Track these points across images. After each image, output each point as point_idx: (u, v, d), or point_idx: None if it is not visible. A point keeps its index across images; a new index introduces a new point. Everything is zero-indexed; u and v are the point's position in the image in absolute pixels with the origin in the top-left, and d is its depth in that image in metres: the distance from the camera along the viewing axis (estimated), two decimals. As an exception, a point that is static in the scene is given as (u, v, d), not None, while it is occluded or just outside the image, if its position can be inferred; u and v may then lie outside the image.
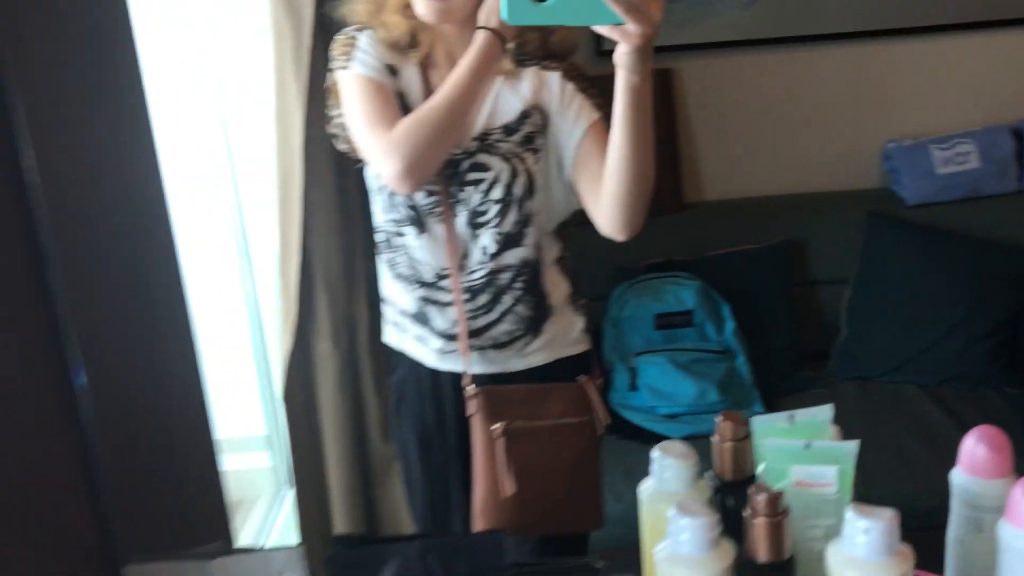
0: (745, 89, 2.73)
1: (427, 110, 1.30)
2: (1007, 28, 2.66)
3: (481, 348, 1.44)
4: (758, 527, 0.70)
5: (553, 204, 1.44)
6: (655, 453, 0.82)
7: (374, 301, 2.09)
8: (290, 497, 2.23)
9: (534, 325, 1.46)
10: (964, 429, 2.28)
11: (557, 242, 1.49)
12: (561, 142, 1.40)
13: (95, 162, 0.78)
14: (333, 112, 1.44)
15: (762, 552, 0.70)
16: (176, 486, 0.85)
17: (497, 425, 1.38)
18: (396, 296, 1.50)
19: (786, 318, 2.63)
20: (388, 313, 1.54)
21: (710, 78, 2.68)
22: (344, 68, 1.38)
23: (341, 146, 1.46)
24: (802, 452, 0.76)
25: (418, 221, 1.41)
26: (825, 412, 0.83)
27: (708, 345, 2.48)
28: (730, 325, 2.50)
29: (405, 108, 1.38)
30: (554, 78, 1.40)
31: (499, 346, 1.45)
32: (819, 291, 2.70)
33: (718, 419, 0.84)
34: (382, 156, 1.29)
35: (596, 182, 1.33)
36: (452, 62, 1.36)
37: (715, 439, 0.85)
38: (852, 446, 0.77)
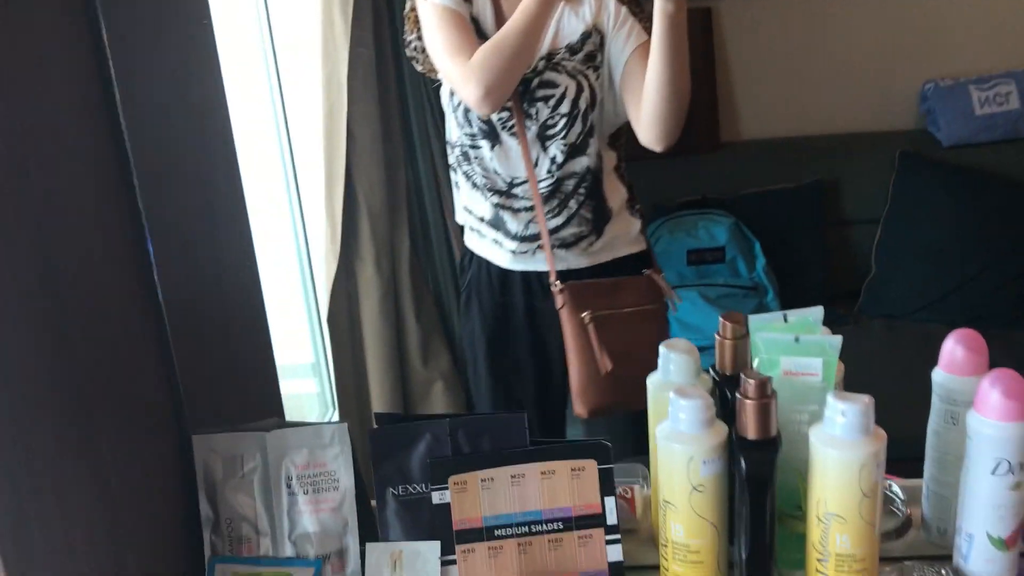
0: (783, 29, 2.74)
1: (501, 37, 1.40)
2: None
3: (551, 248, 1.57)
4: (748, 407, 0.78)
5: (609, 116, 1.55)
6: (662, 349, 0.90)
7: (414, 231, 2.20)
8: (336, 419, 2.36)
9: (597, 226, 1.58)
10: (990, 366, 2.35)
11: (613, 151, 1.60)
12: (614, 59, 1.50)
13: (167, 78, 0.88)
14: (411, 36, 1.55)
15: (751, 430, 0.79)
16: (235, 367, 0.96)
17: (586, 313, 1.51)
18: (473, 205, 1.62)
19: (818, 257, 2.68)
20: (467, 220, 1.67)
21: (748, 18, 2.70)
22: None
23: (419, 67, 1.58)
24: (792, 345, 0.84)
25: (492, 134, 1.53)
26: (817, 312, 0.90)
27: (739, 281, 2.54)
28: (761, 262, 2.56)
29: (479, 34, 1.48)
30: (610, 1, 1.50)
31: (566, 246, 1.58)
32: (852, 231, 2.74)
33: (721, 319, 0.92)
34: (463, 82, 1.41)
35: (639, 97, 1.45)
36: None
37: (717, 337, 0.92)
38: (836, 340, 0.85)
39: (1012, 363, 2.45)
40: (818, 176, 2.71)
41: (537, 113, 1.51)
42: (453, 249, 2.25)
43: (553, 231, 1.56)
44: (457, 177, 1.63)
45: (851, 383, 2.44)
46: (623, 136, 1.64)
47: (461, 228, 1.70)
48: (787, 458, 0.82)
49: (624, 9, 1.50)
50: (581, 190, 1.55)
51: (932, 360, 2.62)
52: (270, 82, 2.34)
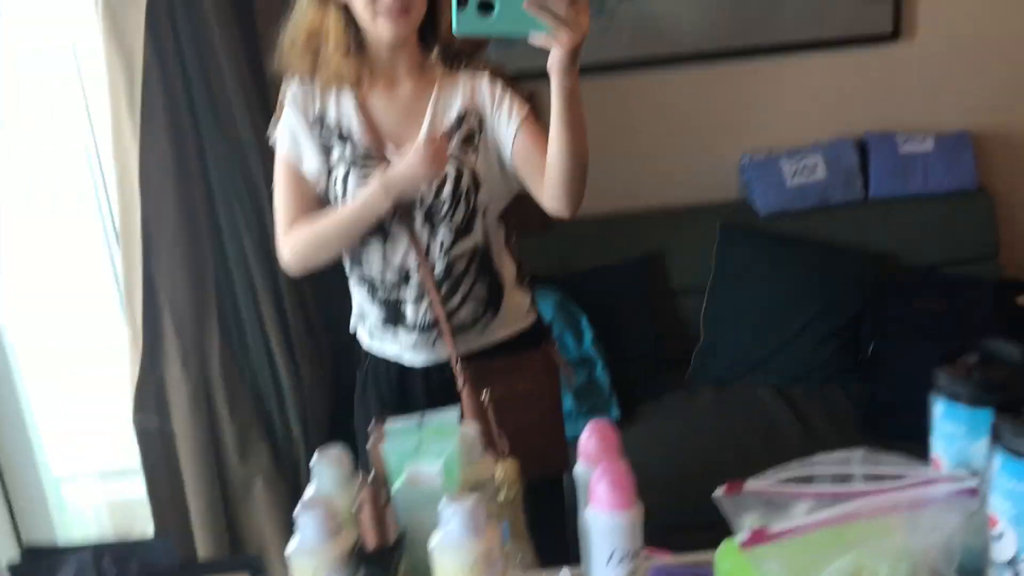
0: (606, 110, 2.86)
1: (321, 230, 1.55)
2: (850, 47, 2.81)
3: (452, 332, 1.60)
4: (363, 516, 0.80)
5: (497, 193, 1.60)
6: (315, 457, 0.92)
7: (225, 326, 2.19)
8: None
9: (492, 304, 1.63)
10: (807, 426, 2.44)
11: (502, 227, 1.66)
12: (500, 137, 1.55)
13: None
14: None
15: (368, 539, 0.81)
16: None
17: (485, 394, 1.55)
18: (367, 308, 1.65)
19: (648, 327, 2.76)
20: (362, 324, 1.70)
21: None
22: (274, 131, 1.61)
23: None
24: (416, 450, 0.86)
25: (379, 230, 1.56)
26: (452, 414, 0.93)
27: (568, 355, 2.59)
28: (589, 335, 2.61)
29: (346, 139, 1.55)
30: (483, 81, 1.56)
31: (464, 328, 1.61)
32: (680, 300, 2.83)
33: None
34: (279, 243, 1.59)
35: (539, 169, 1.48)
36: (387, 82, 1.56)
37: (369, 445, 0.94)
38: (454, 445, 0.87)
39: (826, 418, 2.54)
40: (646, 248, 2.80)
41: (422, 199, 1.54)
42: (270, 339, 2.24)
43: (450, 314, 1.59)
44: (351, 283, 1.67)
45: (684, 449, 2.49)
46: (512, 210, 1.68)
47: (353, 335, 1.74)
48: (417, 564, 0.84)
49: (498, 86, 1.55)
50: (472, 269, 1.59)
51: (755, 423, 2.69)
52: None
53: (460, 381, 1.58)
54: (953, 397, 0.93)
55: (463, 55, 1.58)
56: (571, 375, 1.68)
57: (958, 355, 0.96)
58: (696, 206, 2.92)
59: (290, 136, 1.59)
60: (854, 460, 0.94)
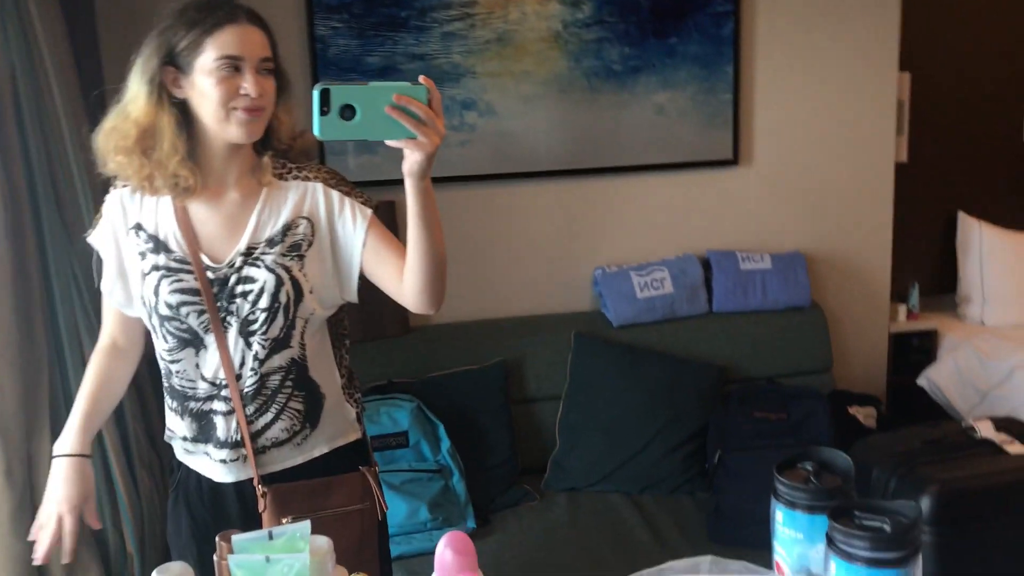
0: (465, 221, 2.93)
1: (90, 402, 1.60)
2: (696, 169, 3.00)
3: (263, 448, 1.53)
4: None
5: (326, 301, 1.53)
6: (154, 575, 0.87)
7: (57, 434, 2.05)
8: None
9: (310, 418, 1.56)
10: (657, 534, 2.47)
11: (327, 337, 1.58)
12: (345, 245, 1.51)
13: None
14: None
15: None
16: None
17: (286, 519, 1.46)
18: (175, 423, 1.58)
19: (505, 435, 2.76)
20: (173, 438, 1.61)
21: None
22: (92, 235, 1.59)
23: None
24: (263, 566, 0.83)
25: (195, 340, 1.50)
26: (304, 527, 0.91)
27: (424, 465, 2.56)
28: (446, 444, 2.59)
29: (164, 250, 1.51)
30: (318, 189, 1.52)
31: (279, 444, 1.54)
32: (536, 408, 2.86)
33: (217, 539, 0.90)
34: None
35: (393, 270, 1.47)
36: (214, 190, 1.50)
37: (215, 558, 0.90)
38: (305, 558, 0.85)
39: (676, 526, 2.58)
40: (503, 355, 2.83)
41: (238, 309, 1.48)
42: (106, 448, 2.12)
43: (263, 430, 1.52)
44: (164, 393, 1.59)
45: (538, 558, 2.48)
46: (344, 320, 1.63)
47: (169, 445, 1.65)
48: None
49: (335, 193, 1.51)
50: (288, 383, 1.52)
51: (607, 529, 2.71)
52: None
53: (260, 505, 1.52)
54: (791, 504, 0.98)
55: (295, 163, 1.54)
56: (383, 503, 1.60)
57: (794, 463, 1.02)
58: (552, 315, 3.00)
59: (110, 250, 1.56)
60: (702, 567, 0.97)
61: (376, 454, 2.52)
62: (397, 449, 2.55)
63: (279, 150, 1.54)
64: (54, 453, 1.55)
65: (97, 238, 1.57)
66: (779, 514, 1.00)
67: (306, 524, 0.89)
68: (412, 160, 1.29)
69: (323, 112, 1.21)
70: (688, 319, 2.95)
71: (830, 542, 0.90)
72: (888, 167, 3.11)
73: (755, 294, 2.94)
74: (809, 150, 3.06)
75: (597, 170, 2.98)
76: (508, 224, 2.97)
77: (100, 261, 1.58)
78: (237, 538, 0.87)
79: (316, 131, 1.22)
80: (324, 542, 0.84)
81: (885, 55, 3.02)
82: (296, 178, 1.53)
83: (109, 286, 1.58)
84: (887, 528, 0.88)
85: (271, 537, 0.86)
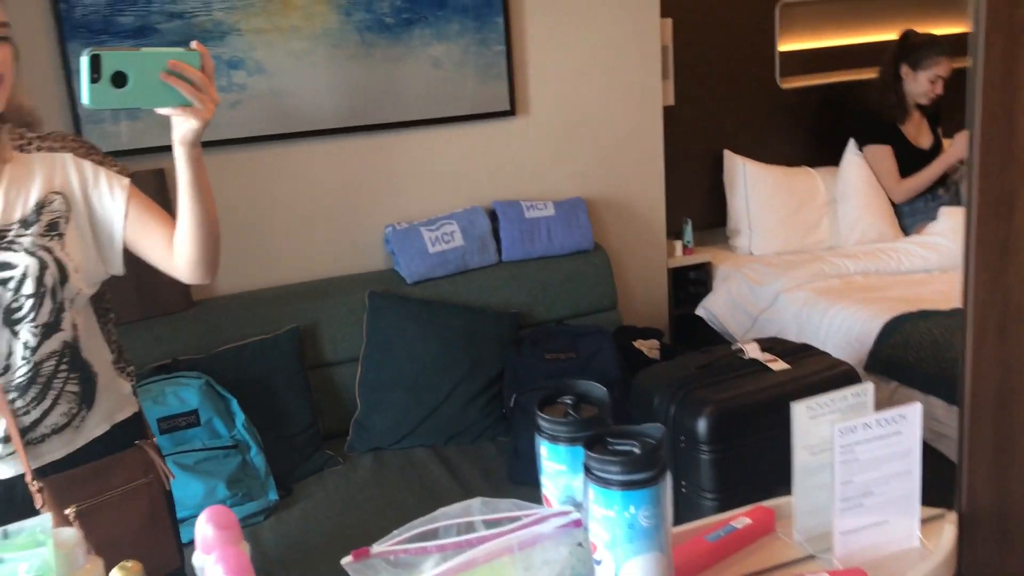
0: (244, 185, 2.82)
1: None
2: (476, 121, 3.03)
3: (44, 437, 1.46)
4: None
5: (91, 278, 1.46)
6: None
7: None
8: None
9: (86, 398, 1.49)
10: (461, 480, 2.51)
11: (93, 314, 1.51)
12: (104, 216, 1.45)
13: None
14: None
15: None
16: None
17: (69, 510, 1.43)
18: None
19: (304, 402, 2.71)
20: None
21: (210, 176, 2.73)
22: None
23: None
24: (-3, 567, 0.78)
25: None
26: (46, 521, 0.86)
27: (219, 442, 2.47)
28: (240, 418, 2.52)
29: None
30: (67, 160, 1.43)
31: (59, 430, 1.47)
32: (335, 372, 2.83)
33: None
34: None
35: (161, 240, 1.44)
36: None
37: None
38: (47, 554, 0.80)
39: (479, 472, 2.63)
40: (296, 322, 2.77)
41: (0, 299, 1.37)
42: None
43: (41, 419, 1.44)
44: None
45: (344, 522, 2.47)
46: (107, 294, 1.55)
47: None
48: None
49: (87, 164, 1.43)
50: (63, 367, 1.44)
51: (412, 484, 2.72)
52: None
53: (38, 501, 1.43)
54: (553, 439, 1.02)
55: (35, 134, 1.45)
56: (167, 472, 1.58)
57: (554, 399, 1.06)
58: (345, 277, 2.96)
59: None
60: (474, 509, 0.99)
61: (166, 436, 2.42)
62: (188, 429, 2.45)
63: (20, 122, 1.43)
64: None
65: None
66: (543, 449, 1.04)
67: (46, 517, 0.83)
68: (186, 128, 1.28)
69: (93, 80, 1.17)
70: (480, 270, 3.00)
71: (587, 471, 0.94)
72: (657, 111, 3.26)
73: (541, 241, 3.02)
74: (582, 98, 3.15)
75: (378, 126, 2.94)
76: (291, 186, 2.89)
77: None
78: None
79: (87, 100, 1.18)
80: (70, 534, 0.79)
81: (647, 1, 3.14)
82: (40, 149, 1.43)
83: None
84: (636, 451, 0.94)
85: (5, 536, 0.80)
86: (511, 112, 3.05)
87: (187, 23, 2.65)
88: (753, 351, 2.41)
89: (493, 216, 3.05)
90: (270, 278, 2.90)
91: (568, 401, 1.04)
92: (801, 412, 1.11)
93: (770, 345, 2.47)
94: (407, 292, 2.90)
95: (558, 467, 1.02)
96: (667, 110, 3.31)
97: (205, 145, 1.36)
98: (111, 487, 1.49)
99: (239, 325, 2.74)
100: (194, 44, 1.25)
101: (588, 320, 3.01)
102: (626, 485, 0.92)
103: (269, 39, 2.74)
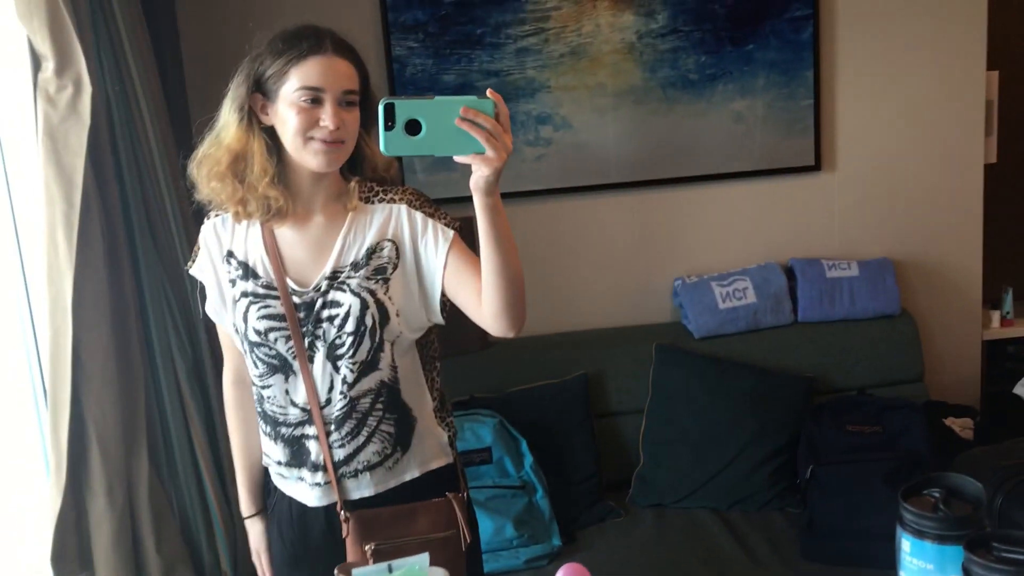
0: (542, 234, 2.92)
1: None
2: (777, 176, 2.94)
3: (357, 472, 1.54)
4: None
5: (413, 324, 1.52)
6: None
7: (155, 453, 2.10)
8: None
9: (402, 440, 1.55)
10: (748, 550, 2.42)
11: (417, 360, 1.57)
12: (428, 267, 1.49)
13: None
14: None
15: None
16: None
17: (369, 546, 1.49)
18: (270, 448, 1.61)
19: (588, 450, 2.73)
20: (268, 464, 1.65)
21: (510, 224, 2.86)
22: (191, 266, 1.63)
23: None
24: (387, 599, 0.83)
25: (284, 366, 1.52)
26: (423, 559, 0.90)
27: (508, 481, 2.55)
28: (529, 460, 2.58)
29: (253, 276, 1.53)
30: (402, 211, 1.51)
31: (372, 467, 1.54)
32: (619, 422, 2.83)
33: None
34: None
35: (474, 292, 1.44)
36: (301, 215, 1.52)
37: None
38: None
39: (767, 543, 2.52)
40: (584, 369, 2.81)
41: (324, 334, 1.49)
42: (200, 467, 2.16)
43: (354, 454, 1.52)
44: (258, 419, 1.62)
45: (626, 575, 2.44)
46: (435, 342, 1.62)
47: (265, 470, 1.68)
48: None
49: (419, 215, 1.50)
50: (378, 406, 1.52)
51: (697, 547, 2.65)
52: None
53: (344, 531, 1.53)
54: (919, 534, 0.94)
55: (381, 186, 1.55)
56: (467, 533, 1.57)
57: (919, 490, 0.98)
58: (632, 327, 2.97)
59: (210, 279, 1.59)
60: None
61: (461, 470, 2.53)
62: (481, 465, 2.55)
63: (372, 178, 1.55)
64: (243, 515, 1.73)
65: (197, 269, 1.61)
66: (906, 543, 0.96)
67: (424, 556, 0.88)
68: (480, 175, 1.27)
69: (388, 127, 1.21)
70: (772, 329, 2.89)
71: (966, 574, 0.86)
72: (977, 168, 3.00)
73: (842, 302, 2.86)
74: (894, 153, 2.97)
75: (675, 180, 2.94)
76: (586, 236, 2.95)
77: (204, 289, 1.60)
78: (358, 571, 0.87)
79: (382, 146, 1.22)
80: (441, 573, 0.83)
81: (972, 54, 2.92)
82: (382, 201, 1.53)
83: (218, 315, 1.61)
84: (1028, 560, 0.84)
85: (391, 570, 0.86)
86: (816, 167, 2.93)
87: (502, 80, 2.80)
88: (1096, 443, 2.13)
89: (790, 274, 2.94)
90: (561, 324, 2.96)
91: (936, 494, 0.96)
92: None
93: (1118, 438, 2.17)
94: (694, 347, 2.85)
95: (924, 565, 0.94)
96: (988, 168, 3.04)
97: (511, 196, 1.33)
98: (412, 532, 1.52)
99: (530, 368, 2.82)
100: (489, 92, 1.24)
101: (890, 391, 2.80)
102: (1016, 598, 0.83)
103: (576, 95, 2.84)
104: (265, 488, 1.70)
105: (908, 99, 2.94)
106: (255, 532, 1.71)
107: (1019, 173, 3.24)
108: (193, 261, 1.62)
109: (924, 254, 3.03)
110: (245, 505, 1.71)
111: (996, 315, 3.17)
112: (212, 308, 1.61)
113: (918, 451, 2.45)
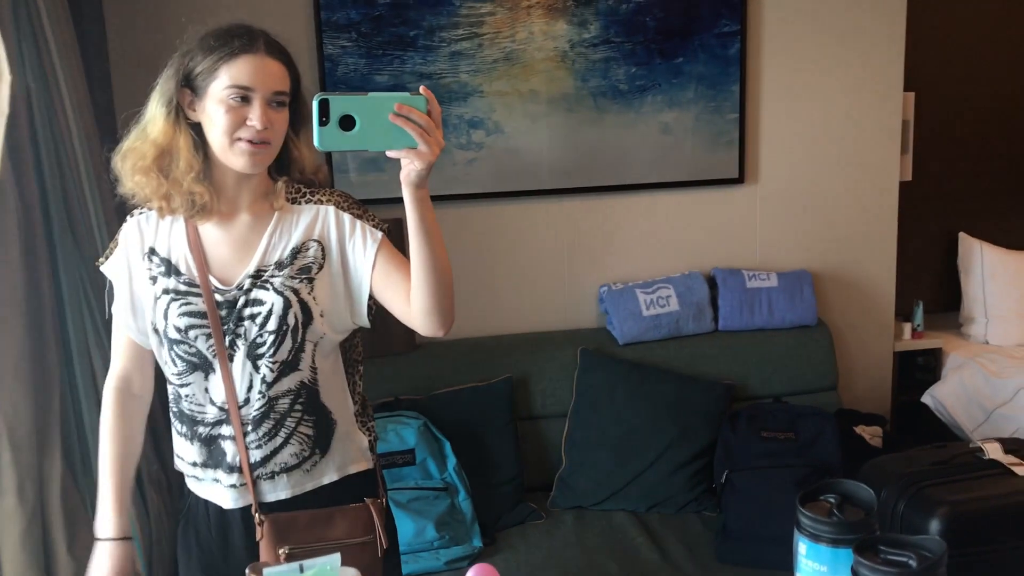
0: (472, 238, 2.93)
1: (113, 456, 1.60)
2: (702, 187, 3.02)
3: (273, 474, 1.52)
4: None
5: (337, 325, 1.52)
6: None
7: (68, 451, 2.05)
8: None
9: (320, 443, 1.54)
10: (665, 553, 2.47)
11: (340, 362, 1.56)
12: (355, 268, 1.49)
13: None
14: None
15: None
16: None
17: (283, 549, 1.47)
18: (183, 450, 1.57)
19: (510, 452, 2.76)
20: (182, 467, 1.60)
21: (441, 227, 2.87)
22: (105, 261, 1.59)
23: None
24: (296, 601, 0.84)
25: (202, 366, 1.50)
26: (335, 560, 0.91)
27: (431, 483, 2.56)
28: (452, 462, 2.59)
29: (175, 273, 1.51)
30: (330, 212, 1.51)
31: (288, 469, 1.52)
32: (542, 425, 2.87)
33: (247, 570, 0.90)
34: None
35: (403, 292, 1.45)
36: (226, 212, 1.51)
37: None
38: None
39: (683, 545, 2.58)
40: (509, 373, 2.83)
41: (245, 332, 1.48)
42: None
43: (271, 455, 1.50)
44: (172, 418, 1.58)
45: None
46: (359, 346, 1.62)
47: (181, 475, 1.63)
48: None
49: (347, 216, 1.50)
50: (297, 407, 1.51)
51: (617, 549, 2.69)
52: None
53: (258, 534, 1.50)
54: (814, 537, 0.98)
55: (309, 188, 1.54)
56: (384, 539, 1.55)
57: (816, 495, 1.02)
58: (558, 332, 3.01)
59: (122, 278, 1.56)
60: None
61: (383, 472, 2.53)
62: (404, 467, 2.55)
63: (300, 179, 1.54)
64: (96, 535, 1.57)
65: (110, 267, 1.57)
66: (802, 546, 1.00)
67: (336, 556, 0.89)
68: (411, 169, 1.28)
69: (322, 123, 1.22)
70: (694, 337, 2.96)
71: (855, 576, 0.90)
72: (893, 186, 3.12)
73: (761, 312, 2.95)
74: (814, 169, 3.07)
75: (603, 188, 2.99)
76: (515, 241, 2.98)
77: (112, 289, 1.58)
78: (269, 571, 0.88)
79: (316, 142, 1.23)
80: (353, 573, 0.84)
81: (891, 75, 3.04)
82: (309, 202, 1.53)
83: (124, 317, 1.57)
84: (913, 564, 0.89)
85: (302, 570, 0.87)
86: (740, 180, 3.01)
87: (435, 83, 2.81)
88: (995, 451, 2.23)
89: (712, 283, 3.01)
90: (489, 327, 2.99)
91: (832, 500, 1.00)
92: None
93: (1015, 447, 2.27)
94: (618, 352, 2.90)
95: (818, 567, 0.98)
96: (904, 185, 3.17)
97: (443, 199, 1.35)
98: (328, 537, 1.50)
99: (457, 370, 2.83)
100: (421, 89, 1.26)
101: (805, 399, 2.90)
102: (899, 599, 0.87)
103: (509, 101, 2.86)
104: (180, 492, 1.67)
105: (829, 117, 3.04)
106: (119, 556, 1.57)
107: (932, 191, 3.38)
108: (107, 258, 1.58)
109: (841, 267, 3.13)
110: (111, 526, 1.56)
111: (908, 327, 3.30)
112: (119, 308, 1.57)
113: (829, 458, 2.53)
